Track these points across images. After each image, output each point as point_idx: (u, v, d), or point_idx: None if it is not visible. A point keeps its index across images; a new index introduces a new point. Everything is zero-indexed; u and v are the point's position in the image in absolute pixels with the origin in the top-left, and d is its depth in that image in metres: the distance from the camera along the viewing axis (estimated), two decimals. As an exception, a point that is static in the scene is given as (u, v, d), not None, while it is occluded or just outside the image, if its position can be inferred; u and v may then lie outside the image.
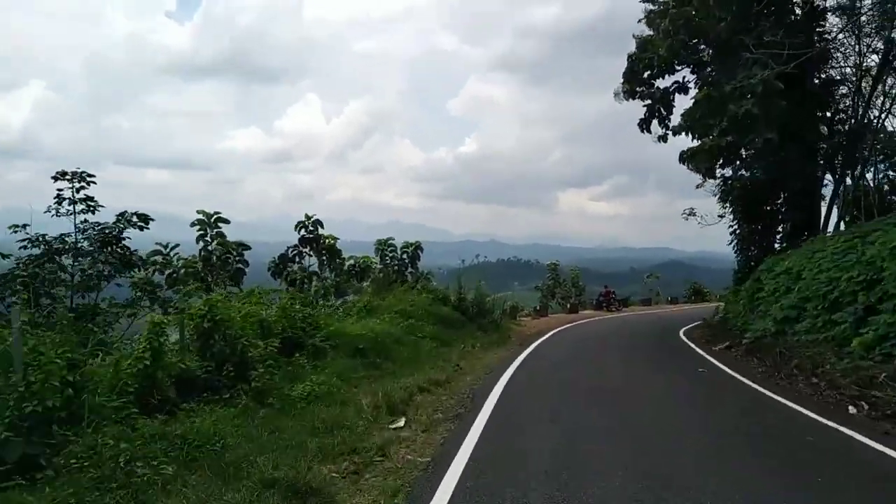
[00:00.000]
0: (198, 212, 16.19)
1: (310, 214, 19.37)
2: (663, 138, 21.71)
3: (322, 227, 19.58)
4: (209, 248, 15.86)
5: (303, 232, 19.50)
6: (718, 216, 27.63)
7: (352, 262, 20.80)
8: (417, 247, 23.63)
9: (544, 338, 18.05)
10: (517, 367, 11.47)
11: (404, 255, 23.44)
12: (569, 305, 35.36)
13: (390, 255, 23.24)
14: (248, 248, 15.94)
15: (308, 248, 19.65)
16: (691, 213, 27.83)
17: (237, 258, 15.78)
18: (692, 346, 17.13)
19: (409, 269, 23.55)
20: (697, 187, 27.87)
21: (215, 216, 15.82)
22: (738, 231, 21.50)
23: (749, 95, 16.65)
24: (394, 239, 23.61)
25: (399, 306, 13.91)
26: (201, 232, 15.80)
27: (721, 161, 20.58)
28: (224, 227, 15.54)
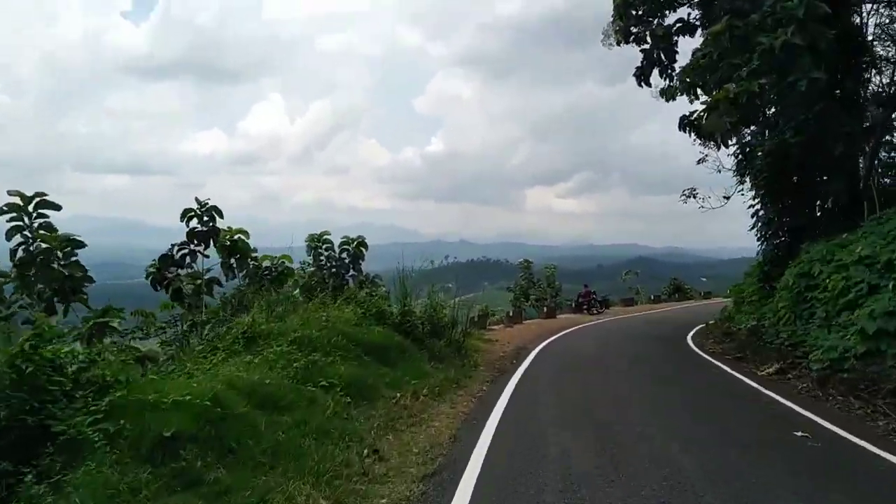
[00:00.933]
0: (9, 192, 10.70)
1: (202, 200, 13.95)
2: (667, 93, 17.06)
3: (220, 216, 14.17)
4: (30, 246, 10.43)
5: (193, 224, 14.09)
6: (724, 198, 23.17)
7: (267, 263, 15.47)
8: (360, 243, 18.31)
9: (526, 363, 12.92)
10: (490, 445, 6.36)
11: (344, 254, 18.19)
12: (545, 309, 30.55)
13: (325, 253, 17.99)
14: (81, 244, 10.49)
15: (202, 245, 14.24)
16: (692, 194, 23.31)
17: (63, 261, 10.33)
18: (727, 369, 12.31)
19: (351, 272, 18.33)
20: (699, 162, 23.36)
21: (37, 199, 10.35)
22: (761, 212, 16.88)
23: (785, 22, 12.16)
24: (330, 234, 18.35)
25: (304, 330, 8.71)
26: (17, 223, 10.34)
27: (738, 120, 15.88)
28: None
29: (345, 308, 10.72)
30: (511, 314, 27.49)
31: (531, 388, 9.85)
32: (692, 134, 20.08)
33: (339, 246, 18.28)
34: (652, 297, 40.44)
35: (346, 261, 18.30)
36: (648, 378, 11.49)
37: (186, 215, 13.78)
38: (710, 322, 23.57)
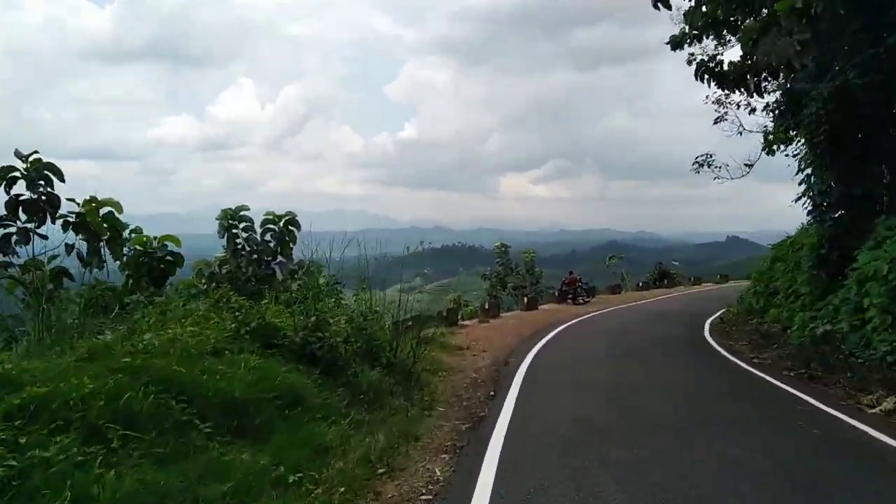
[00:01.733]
0: None
1: (24, 153, 9.14)
2: (691, 18, 12.88)
3: (61, 179, 9.37)
4: None
5: (18, 190, 9.29)
6: (746, 165, 19.08)
7: (140, 247, 10.76)
8: (290, 221, 13.60)
9: (512, 396, 8.34)
10: None
11: (268, 236, 13.48)
12: (525, 300, 26.29)
13: (244, 235, 13.32)
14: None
15: (34, 220, 9.42)
16: (706, 161, 19.19)
17: None
18: (808, 399, 8.08)
19: (279, 259, 13.68)
20: (717, 122, 19.25)
21: None
22: (813, 178, 12.66)
23: None
24: (248, 209, 13.60)
25: (67, 380, 4.15)
26: None
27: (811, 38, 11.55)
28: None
29: (202, 319, 6.12)
30: (487, 306, 23.15)
31: (529, 463, 5.43)
32: (712, 83, 15.90)
33: (262, 225, 13.58)
34: (640, 284, 36.56)
35: (271, 244, 13.61)
36: (719, 432, 7.16)
37: (3, 177, 8.97)
38: (726, 314, 19.67)
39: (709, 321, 19.07)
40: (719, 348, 13.38)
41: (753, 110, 18.80)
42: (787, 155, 15.47)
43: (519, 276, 31.49)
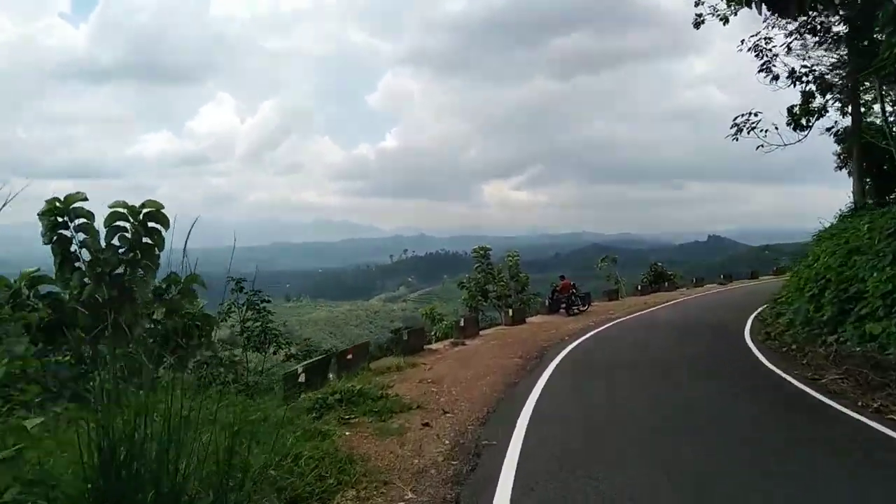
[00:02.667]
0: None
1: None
2: None
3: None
4: None
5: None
6: (799, 129, 14.59)
7: None
8: (153, 215, 8.45)
9: None
10: None
11: (117, 240, 8.34)
12: (510, 312, 21.38)
13: (82, 238, 8.16)
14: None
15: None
16: (747, 123, 14.66)
17: None
18: None
19: (139, 271, 8.54)
20: (763, 69, 14.71)
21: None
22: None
23: None
24: (84, 197, 8.46)
25: None
26: None
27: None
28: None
29: None
30: (463, 323, 18.21)
31: None
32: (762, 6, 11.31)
33: (108, 223, 8.33)
34: (639, 288, 31.90)
35: (122, 251, 8.38)
36: None
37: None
38: (771, 327, 14.97)
39: (748, 335, 14.42)
40: (804, 386, 8.60)
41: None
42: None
43: (502, 282, 26.64)
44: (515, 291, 27.52)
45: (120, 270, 8.19)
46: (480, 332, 18.60)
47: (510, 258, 28.10)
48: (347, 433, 6.11)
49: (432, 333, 20.05)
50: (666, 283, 33.39)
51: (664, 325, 17.91)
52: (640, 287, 31.53)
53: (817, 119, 16.39)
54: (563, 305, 22.70)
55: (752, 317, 17.79)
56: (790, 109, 17.97)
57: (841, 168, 32.94)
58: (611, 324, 18.52)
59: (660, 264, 39.69)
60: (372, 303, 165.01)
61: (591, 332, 16.50)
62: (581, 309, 23.11)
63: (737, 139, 14.65)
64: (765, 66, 14.14)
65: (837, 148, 32.34)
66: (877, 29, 10.62)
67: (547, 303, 23.46)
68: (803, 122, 15.37)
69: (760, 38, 13.99)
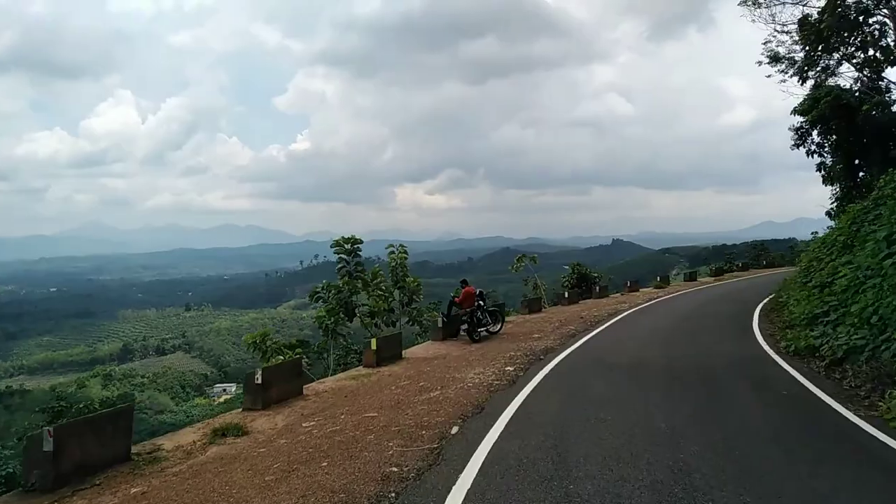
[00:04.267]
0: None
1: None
2: None
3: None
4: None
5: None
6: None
7: None
8: None
9: None
10: None
11: None
12: (374, 345, 12.48)
13: None
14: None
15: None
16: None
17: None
18: None
19: None
20: None
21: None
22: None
23: None
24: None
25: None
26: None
27: None
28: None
29: None
30: (260, 379, 9.06)
31: None
32: None
33: None
34: (566, 296, 24.15)
35: None
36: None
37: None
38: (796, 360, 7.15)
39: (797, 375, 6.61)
40: None
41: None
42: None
43: (379, 291, 17.79)
44: (402, 304, 18.86)
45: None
46: (315, 387, 9.76)
47: (394, 256, 19.35)
48: None
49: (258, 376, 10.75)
50: (597, 289, 25.98)
51: (654, 366, 9.76)
52: (566, 294, 23.77)
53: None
54: (465, 327, 14.30)
55: (752, 338, 10.23)
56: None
57: (799, 145, 27.38)
58: (547, 368, 10.12)
59: (582, 265, 32.59)
60: (280, 310, 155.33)
61: (516, 401, 7.91)
62: (491, 330, 14.85)
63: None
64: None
65: (795, 122, 26.62)
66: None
67: (441, 321, 14.91)
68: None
69: None
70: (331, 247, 17.55)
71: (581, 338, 13.57)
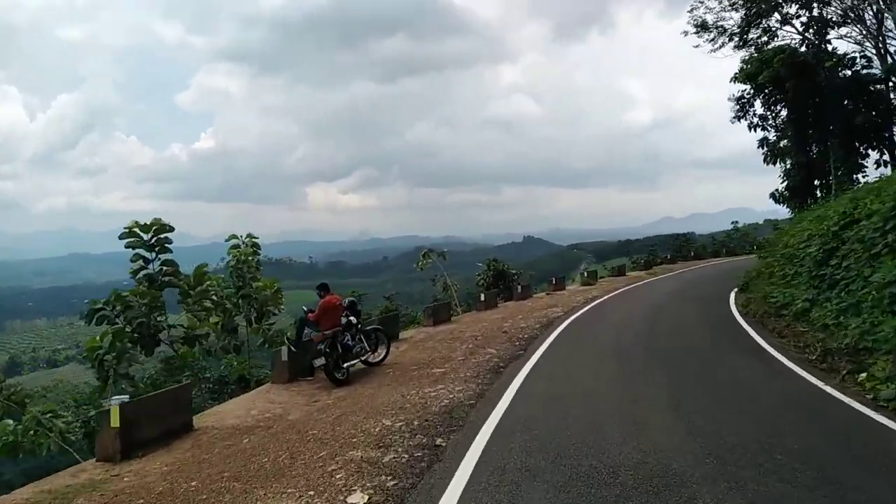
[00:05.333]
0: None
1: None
2: None
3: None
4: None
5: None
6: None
7: None
8: None
9: None
10: None
11: None
12: (116, 434, 6.39)
13: None
14: None
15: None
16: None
17: None
18: None
19: None
20: None
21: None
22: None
23: None
24: None
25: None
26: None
27: None
28: None
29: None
30: None
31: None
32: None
33: None
34: (482, 297, 18.81)
35: None
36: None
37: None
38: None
39: None
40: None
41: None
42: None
43: (208, 305, 11.48)
44: (249, 320, 12.66)
45: None
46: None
47: (238, 252, 13.07)
48: None
49: None
50: (519, 288, 20.94)
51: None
52: (483, 296, 18.42)
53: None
54: (320, 361, 8.50)
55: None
56: None
57: (740, 118, 23.95)
58: (457, 481, 4.53)
59: (499, 261, 27.72)
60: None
61: None
62: (370, 361, 9.22)
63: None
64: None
65: (736, 92, 23.11)
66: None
67: (284, 353, 8.96)
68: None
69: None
70: (119, 237, 11.00)
71: (512, 375, 8.14)
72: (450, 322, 15.07)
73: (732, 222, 39.90)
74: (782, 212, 38.35)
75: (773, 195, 22.33)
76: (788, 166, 21.23)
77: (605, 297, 18.22)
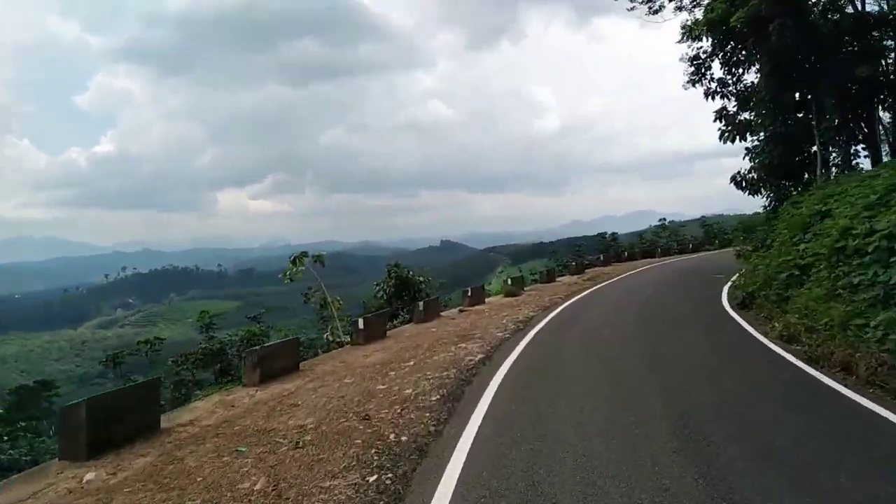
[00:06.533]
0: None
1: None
2: None
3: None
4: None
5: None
6: None
7: None
8: None
9: None
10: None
11: None
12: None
13: None
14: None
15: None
16: None
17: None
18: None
19: None
20: None
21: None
22: None
23: None
24: None
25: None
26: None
27: None
28: None
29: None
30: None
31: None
32: None
33: None
34: (361, 326, 12.17)
35: None
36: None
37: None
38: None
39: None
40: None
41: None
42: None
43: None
44: None
45: None
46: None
47: None
48: None
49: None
50: (421, 307, 14.42)
51: None
52: (361, 323, 11.72)
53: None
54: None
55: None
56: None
57: (695, 82, 18.96)
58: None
59: (400, 266, 21.49)
60: (81, 331, 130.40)
61: None
62: None
63: None
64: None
65: (688, 53, 18.22)
66: None
67: None
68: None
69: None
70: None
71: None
72: (295, 374, 8.40)
73: (660, 219, 36.07)
74: (687, 213, 35.39)
75: (735, 179, 17.66)
76: (758, 141, 16.67)
77: (548, 320, 12.15)
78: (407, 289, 20.85)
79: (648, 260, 28.96)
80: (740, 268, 13.99)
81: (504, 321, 12.05)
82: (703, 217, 37.37)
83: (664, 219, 35.76)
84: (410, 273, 21.30)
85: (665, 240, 33.95)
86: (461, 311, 15.24)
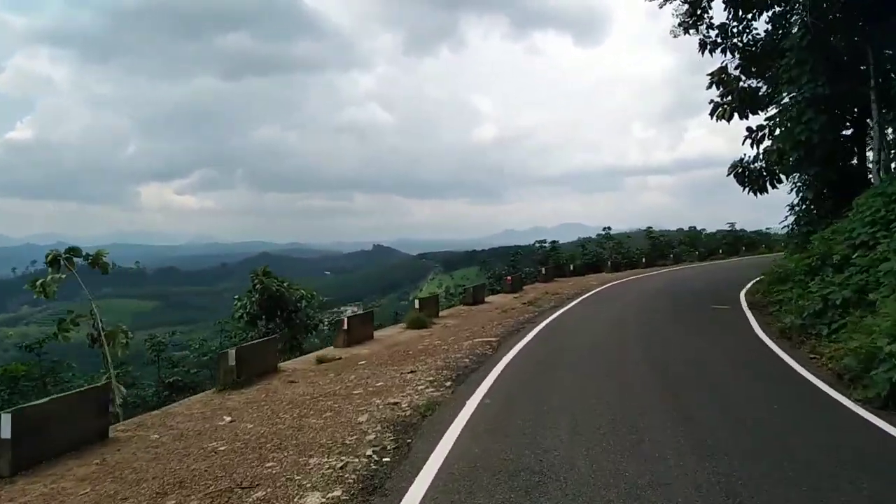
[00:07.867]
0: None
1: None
2: None
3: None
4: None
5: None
6: None
7: None
8: None
9: None
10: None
11: None
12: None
13: None
14: None
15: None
16: None
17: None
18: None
19: None
20: None
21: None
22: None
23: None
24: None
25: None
26: None
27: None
28: None
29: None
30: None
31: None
32: None
33: None
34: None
35: None
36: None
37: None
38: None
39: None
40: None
41: None
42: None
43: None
44: None
45: None
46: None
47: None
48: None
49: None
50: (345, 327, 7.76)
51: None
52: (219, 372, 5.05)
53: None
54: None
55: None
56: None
57: (689, 27, 13.35)
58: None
59: (271, 275, 14.74)
60: None
61: None
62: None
63: None
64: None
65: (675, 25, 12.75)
66: None
67: None
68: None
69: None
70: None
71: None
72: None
73: (604, 228, 31.22)
74: (616, 227, 30.88)
75: (735, 170, 12.40)
76: (779, 109, 11.46)
77: (468, 411, 5.74)
78: (280, 308, 14.25)
79: (603, 276, 23.65)
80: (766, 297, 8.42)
81: (384, 401, 5.62)
82: (649, 228, 33.03)
83: (608, 227, 30.93)
84: (286, 285, 14.67)
85: (609, 251, 29.12)
86: (336, 358, 8.72)
